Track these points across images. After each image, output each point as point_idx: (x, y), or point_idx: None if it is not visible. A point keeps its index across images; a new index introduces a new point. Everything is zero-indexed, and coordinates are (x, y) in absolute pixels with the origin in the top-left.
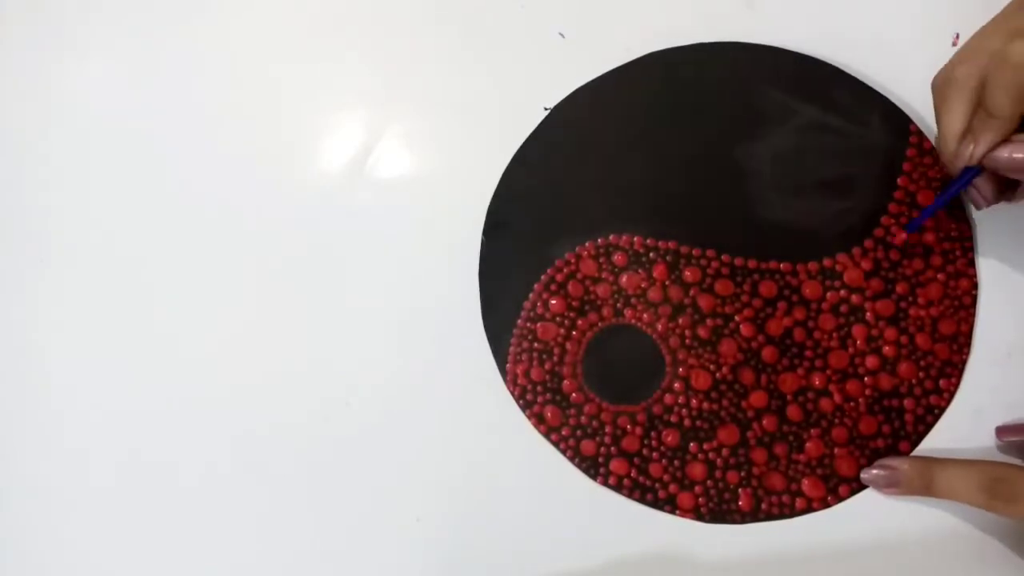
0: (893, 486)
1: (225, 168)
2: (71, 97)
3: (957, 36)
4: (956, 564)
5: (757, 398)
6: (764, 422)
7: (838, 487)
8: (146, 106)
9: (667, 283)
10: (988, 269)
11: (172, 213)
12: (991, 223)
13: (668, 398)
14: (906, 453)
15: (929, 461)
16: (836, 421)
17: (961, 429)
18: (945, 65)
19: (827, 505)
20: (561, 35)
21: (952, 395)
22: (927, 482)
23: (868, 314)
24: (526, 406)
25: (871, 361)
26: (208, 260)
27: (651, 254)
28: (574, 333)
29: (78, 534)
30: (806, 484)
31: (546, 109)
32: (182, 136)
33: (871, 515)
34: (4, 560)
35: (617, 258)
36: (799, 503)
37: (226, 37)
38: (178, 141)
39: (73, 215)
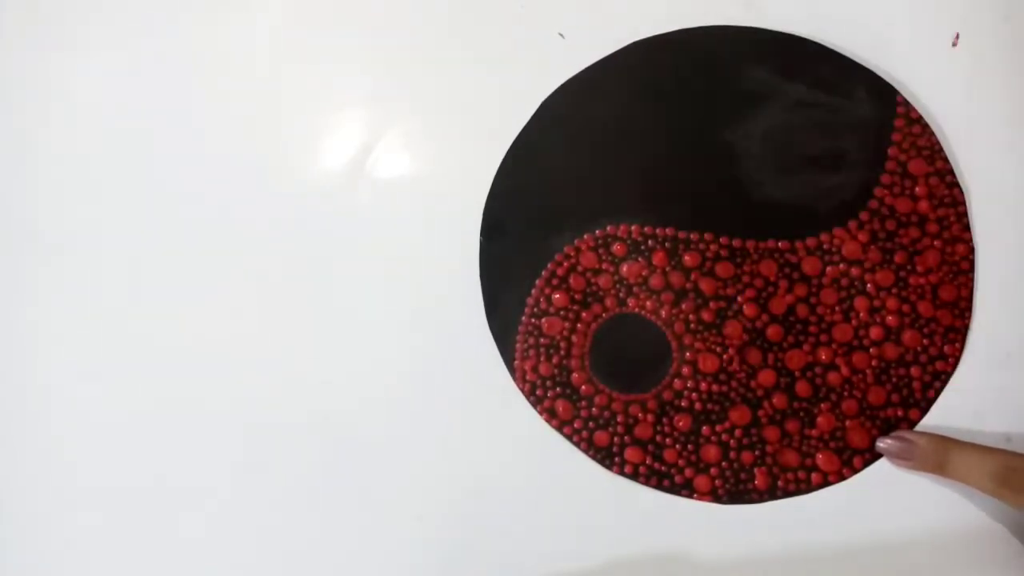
0: (907, 459)
1: (224, 168)
2: (69, 97)
3: (957, 36)
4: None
5: (765, 377)
6: (774, 400)
7: (852, 459)
8: (144, 106)
9: (667, 269)
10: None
11: (171, 213)
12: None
13: (677, 383)
14: (917, 420)
15: (947, 441)
16: (845, 394)
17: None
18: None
19: (843, 478)
20: (561, 35)
21: (958, 360)
22: (941, 461)
23: (869, 285)
24: (537, 401)
25: (875, 332)
26: (207, 261)
27: (649, 241)
28: (579, 326)
29: (76, 536)
30: (820, 458)
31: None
32: (180, 136)
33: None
34: (4, 561)
35: (616, 248)
36: (815, 478)
37: (226, 37)
38: (176, 141)
39: (72, 215)
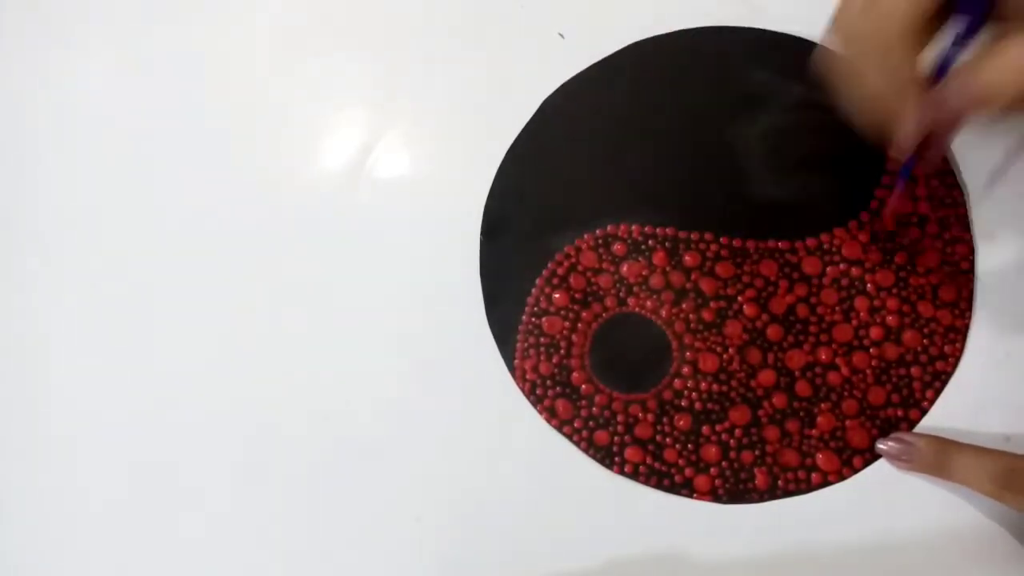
0: (906, 461)
1: (224, 168)
2: (71, 97)
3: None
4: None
5: (765, 376)
6: (774, 400)
7: (852, 459)
8: (143, 106)
9: (668, 269)
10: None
11: (170, 213)
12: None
13: (677, 383)
14: (917, 420)
15: (946, 443)
16: (845, 394)
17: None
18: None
19: (843, 478)
20: (561, 35)
21: (958, 360)
22: (941, 463)
23: (869, 286)
24: (537, 401)
25: (875, 332)
26: (206, 260)
27: (650, 241)
28: (579, 325)
29: (76, 536)
30: (820, 458)
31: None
32: (180, 136)
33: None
34: (4, 561)
35: (616, 248)
36: (815, 478)
37: (226, 37)
38: (176, 141)
39: (72, 216)
